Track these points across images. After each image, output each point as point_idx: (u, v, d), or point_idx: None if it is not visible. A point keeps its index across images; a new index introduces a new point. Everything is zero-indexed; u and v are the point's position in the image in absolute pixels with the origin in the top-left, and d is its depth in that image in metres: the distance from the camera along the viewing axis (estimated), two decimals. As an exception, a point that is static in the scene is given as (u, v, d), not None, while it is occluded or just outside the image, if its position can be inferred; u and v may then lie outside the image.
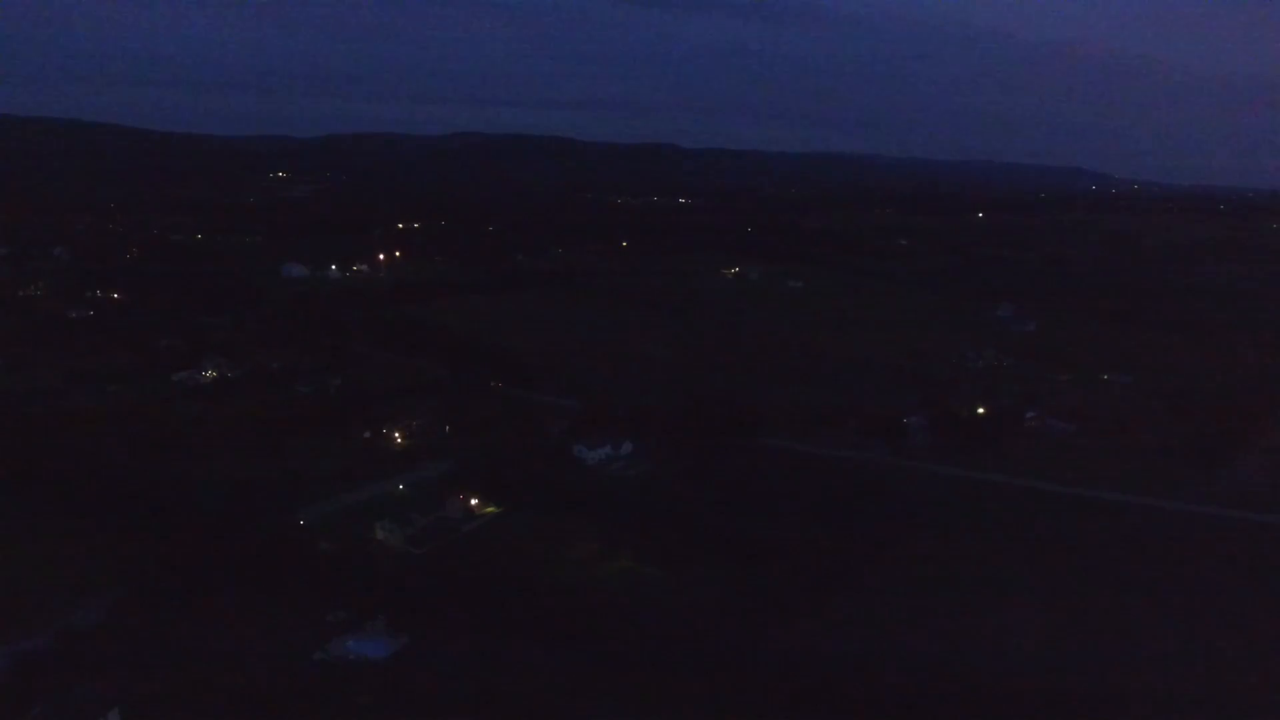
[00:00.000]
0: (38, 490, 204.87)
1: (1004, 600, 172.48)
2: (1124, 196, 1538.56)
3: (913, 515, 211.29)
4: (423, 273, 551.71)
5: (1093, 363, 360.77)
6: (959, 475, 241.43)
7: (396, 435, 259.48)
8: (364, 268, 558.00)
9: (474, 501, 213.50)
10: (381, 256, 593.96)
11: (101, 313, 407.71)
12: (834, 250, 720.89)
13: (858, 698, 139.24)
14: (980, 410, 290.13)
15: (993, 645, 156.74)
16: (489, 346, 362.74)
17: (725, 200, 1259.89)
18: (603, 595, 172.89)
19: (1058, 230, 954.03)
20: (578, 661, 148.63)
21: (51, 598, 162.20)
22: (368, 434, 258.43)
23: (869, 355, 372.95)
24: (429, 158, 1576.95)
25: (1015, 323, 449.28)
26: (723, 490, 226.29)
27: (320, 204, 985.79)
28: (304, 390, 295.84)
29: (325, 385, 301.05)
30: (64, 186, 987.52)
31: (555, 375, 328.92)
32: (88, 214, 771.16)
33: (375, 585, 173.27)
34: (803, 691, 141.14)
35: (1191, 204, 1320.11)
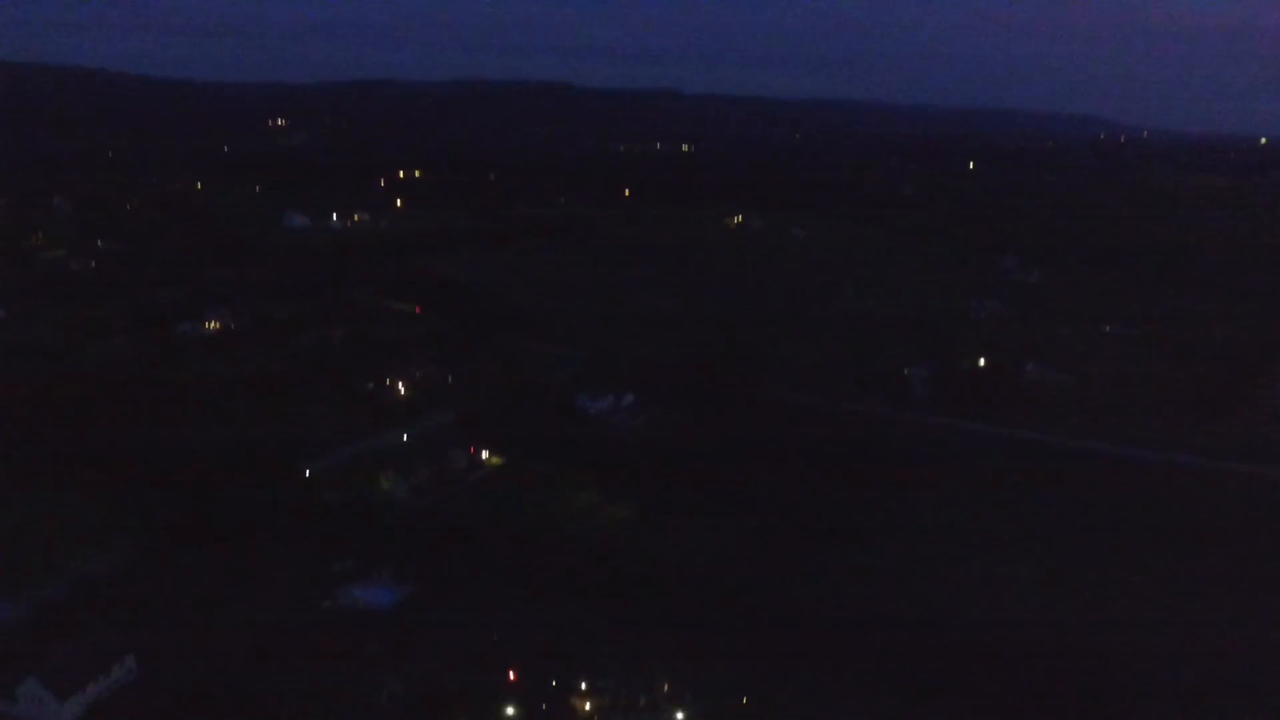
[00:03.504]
0: (46, 443, 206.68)
1: (1001, 550, 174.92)
2: (1133, 145, 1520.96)
3: (912, 467, 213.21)
4: (424, 222, 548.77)
5: (1096, 314, 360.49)
6: (958, 427, 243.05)
7: (400, 386, 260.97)
8: (365, 217, 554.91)
9: (477, 452, 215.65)
10: (382, 206, 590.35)
11: (103, 264, 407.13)
12: (838, 199, 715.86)
13: (855, 643, 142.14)
14: (981, 362, 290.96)
15: (988, 594, 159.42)
16: (491, 297, 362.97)
17: (728, 148, 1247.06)
18: (605, 544, 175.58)
19: (1065, 179, 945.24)
20: (579, 609, 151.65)
21: (65, 548, 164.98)
22: (371, 385, 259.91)
23: (871, 306, 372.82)
24: (428, 104, 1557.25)
25: (1018, 273, 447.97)
26: (724, 441, 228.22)
27: (319, 152, 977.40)
28: (307, 341, 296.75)
29: (328, 336, 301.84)
30: (61, 134, 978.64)
31: (557, 326, 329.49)
32: (86, 163, 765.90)
33: (380, 535, 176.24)
34: (801, 637, 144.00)
35: (1201, 152, 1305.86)
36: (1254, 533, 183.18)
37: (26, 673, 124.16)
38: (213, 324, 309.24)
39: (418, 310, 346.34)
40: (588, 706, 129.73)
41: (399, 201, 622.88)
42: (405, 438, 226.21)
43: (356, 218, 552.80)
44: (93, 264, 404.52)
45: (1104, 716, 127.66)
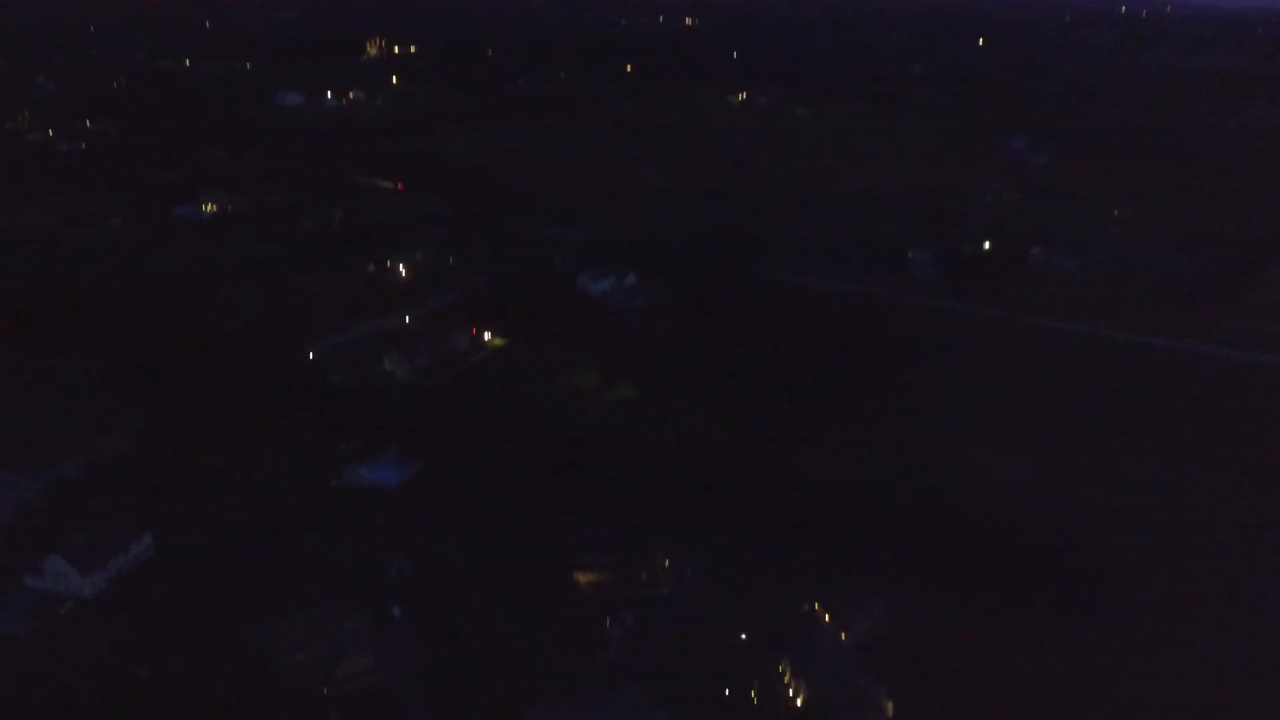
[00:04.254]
0: (51, 330, 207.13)
1: (996, 432, 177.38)
2: (1154, 20, 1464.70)
3: (912, 350, 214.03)
4: (421, 100, 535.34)
5: (1105, 198, 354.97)
6: (960, 310, 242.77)
7: (401, 268, 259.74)
8: (360, 95, 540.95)
9: (480, 334, 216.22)
10: (378, 83, 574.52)
11: (93, 145, 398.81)
12: (845, 76, 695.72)
13: (852, 518, 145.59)
14: (986, 245, 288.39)
15: (981, 474, 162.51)
16: (491, 177, 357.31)
17: (733, 22, 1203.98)
18: (606, 424, 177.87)
19: (1082, 58, 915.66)
20: (581, 487, 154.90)
21: (76, 431, 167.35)
22: (372, 268, 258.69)
23: (876, 187, 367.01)
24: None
25: (1028, 155, 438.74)
26: (726, 321, 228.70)
27: (311, 26, 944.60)
28: (306, 224, 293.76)
29: (327, 218, 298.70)
30: (36, 7, 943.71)
31: (559, 206, 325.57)
32: (65, 39, 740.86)
33: (385, 416, 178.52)
34: (797, 512, 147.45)
35: (1231, 28, 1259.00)
36: (1249, 420, 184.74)
37: (50, 549, 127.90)
38: (210, 207, 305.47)
39: (417, 191, 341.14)
40: (589, 580, 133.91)
41: (395, 79, 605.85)
42: (407, 319, 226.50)
43: (351, 95, 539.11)
44: (82, 146, 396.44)
45: (1092, 588, 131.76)
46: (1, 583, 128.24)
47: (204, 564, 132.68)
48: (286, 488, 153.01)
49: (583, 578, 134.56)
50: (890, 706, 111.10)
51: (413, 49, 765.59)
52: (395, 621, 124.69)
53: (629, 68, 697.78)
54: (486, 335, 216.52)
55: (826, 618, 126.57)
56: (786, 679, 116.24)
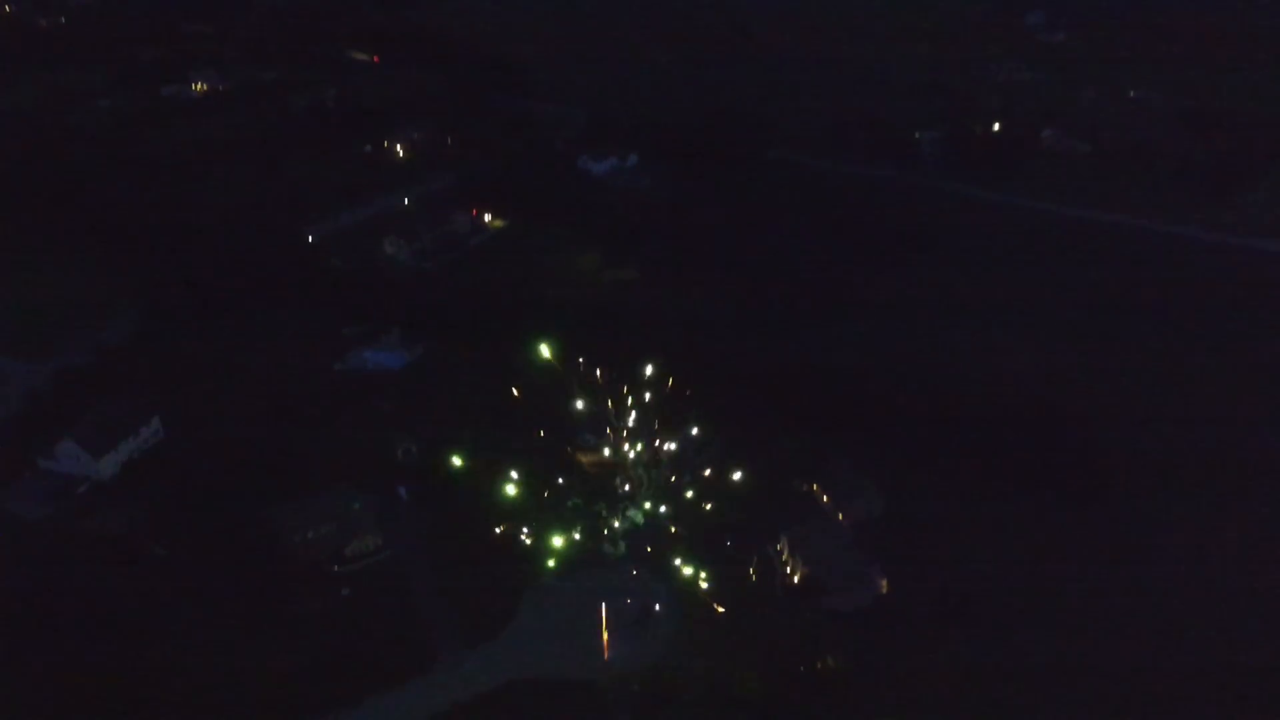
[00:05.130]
0: (46, 216, 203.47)
1: (1001, 317, 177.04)
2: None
3: (918, 234, 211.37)
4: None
5: (1122, 78, 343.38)
6: (968, 194, 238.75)
7: (398, 149, 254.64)
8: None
9: (480, 215, 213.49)
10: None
11: (73, 21, 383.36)
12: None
13: (851, 401, 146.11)
14: (996, 127, 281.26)
15: (984, 358, 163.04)
16: (488, 52, 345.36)
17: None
18: (607, 305, 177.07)
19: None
20: (582, 366, 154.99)
21: (79, 318, 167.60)
22: (369, 148, 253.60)
23: (884, 64, 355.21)
24: None
25: (1044, 31, 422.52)
26: (728, 203, 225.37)
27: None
28: (299, 103, 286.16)
29: (321, 97, 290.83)
30: None
31: (558, 83, 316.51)
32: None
33: (387, 299, 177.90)
34: (799, 394, 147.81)
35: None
36: (1258, 308, 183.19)
37: (62, 433, 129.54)
38: (199, 86, 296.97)
39: (411, 67, 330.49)
40: (591, 461, 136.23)
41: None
42: (406, 201, 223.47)
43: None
44: (62, 20, 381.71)
45: (1089, 472, 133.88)
46: (16, 467, 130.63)
47: (213, 447, 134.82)
48: (290, 372, 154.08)
49: (585, 458, 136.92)
50: (885, 584, 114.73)
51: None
52: (402, 502, 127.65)
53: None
54: (487, 217, 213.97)
55: (824, 498, 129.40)
56: (784, 556, 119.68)
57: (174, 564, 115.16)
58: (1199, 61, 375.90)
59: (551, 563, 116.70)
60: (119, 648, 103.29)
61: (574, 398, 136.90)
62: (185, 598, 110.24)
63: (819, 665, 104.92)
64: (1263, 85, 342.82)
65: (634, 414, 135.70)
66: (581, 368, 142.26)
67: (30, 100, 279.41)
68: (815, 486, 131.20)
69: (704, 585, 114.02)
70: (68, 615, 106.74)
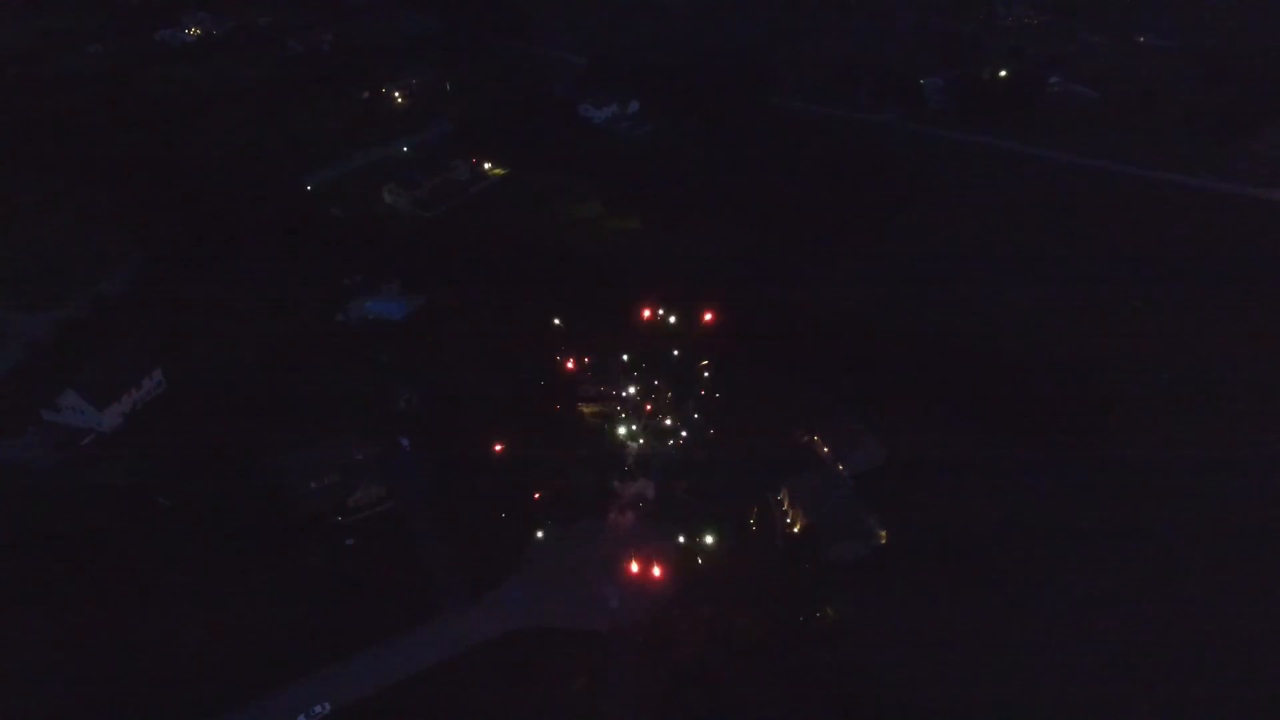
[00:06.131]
0: (41, 165, 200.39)
1: (1003, 266, 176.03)
2: None
3: (921, 181, 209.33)
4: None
5: (1131, 23, 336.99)
6: (972, 141, 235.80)
7: (396, 95, 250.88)
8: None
9: (480, 163, 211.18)
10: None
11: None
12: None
13: (851, 351, 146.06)
14: (1002, 73, 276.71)
15: (986, 307, 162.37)
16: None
17: None
18: (609, 253, 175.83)
19: None
20: (585, 317, 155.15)
21: (77, 269, 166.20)
22: (366, 94, 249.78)
23: (889, 8, 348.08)
24: None
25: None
26: (731, 150, 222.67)
27: None
28: (295, 48, 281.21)
29: (317, 42, 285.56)
30: None
31: (559, 28, 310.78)
32: None
33: (388, 249, 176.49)
34: (799, 344, 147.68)
35: None
36: (1264, 259, 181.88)
37: (65, 384, 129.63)
38: (193, 30, 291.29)
39: (408, 9, 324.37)
40: (591, 412, 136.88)
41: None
42: (405, 149, 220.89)
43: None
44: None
45: (1088, 422, 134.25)
46: (20, 418, 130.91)
47: (215, 398, 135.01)
48: (291, 322, 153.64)
49: (587, 409, 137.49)
50: (883, 535, 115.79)
51: None
52: (404, 452, 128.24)
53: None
54: (487, 164, 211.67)
55: (825, 449, 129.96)
56: (785, 506, 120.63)
57: (178, 515, 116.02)
58: (1209, 6, 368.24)
59: (557, 509, 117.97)
60: (124, 597, 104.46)
61: (576, 348, 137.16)
62: (189, 548, 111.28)
63: (818, 614, 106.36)
64: (1274, 30, 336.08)
65: (637, 364, 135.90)
66: (582, 316, 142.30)
67: (17, 45, 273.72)
68: (816, 438, 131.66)
69: (707, 539, 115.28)
70: (73, 566, 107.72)
